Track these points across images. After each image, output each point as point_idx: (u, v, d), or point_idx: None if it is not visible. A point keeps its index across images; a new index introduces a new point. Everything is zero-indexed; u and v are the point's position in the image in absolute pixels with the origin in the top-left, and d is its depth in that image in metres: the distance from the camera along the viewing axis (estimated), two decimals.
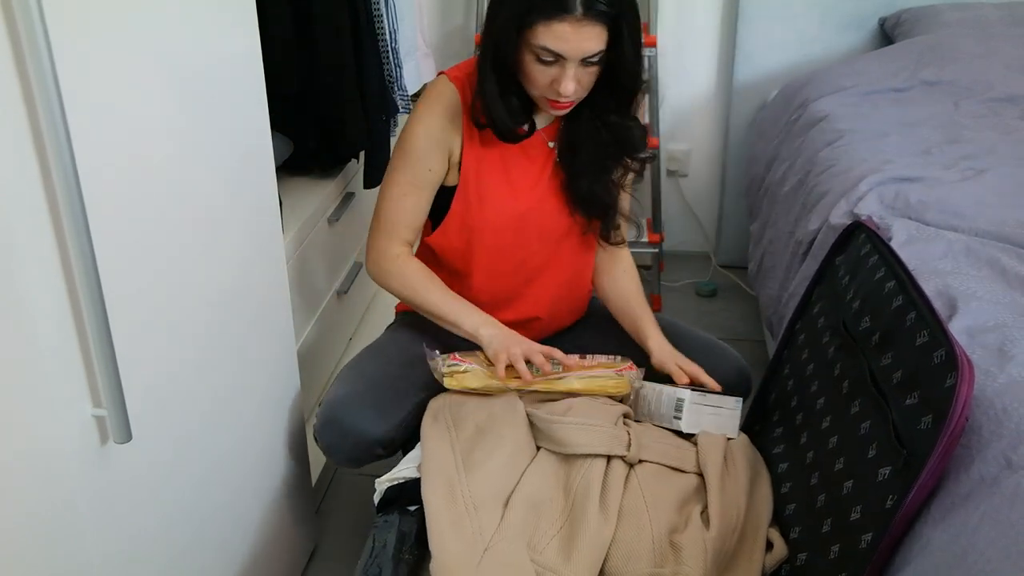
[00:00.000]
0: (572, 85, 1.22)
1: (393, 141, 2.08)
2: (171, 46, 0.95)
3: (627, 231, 1.54)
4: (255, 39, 1.17)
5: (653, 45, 2.35)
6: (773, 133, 2.26)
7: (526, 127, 1.33)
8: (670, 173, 2.78)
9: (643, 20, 1.26)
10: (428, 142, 1.34)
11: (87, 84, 0.80)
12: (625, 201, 1.48)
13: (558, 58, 1.21)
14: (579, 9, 1.17)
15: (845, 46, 2.54)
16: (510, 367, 1.28)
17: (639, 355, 1.41)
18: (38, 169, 0.74)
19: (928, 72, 2.13)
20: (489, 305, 1.41)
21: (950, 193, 1.46)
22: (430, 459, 1.19)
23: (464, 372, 1.31)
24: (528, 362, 1.29)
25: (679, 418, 1.27)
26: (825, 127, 1.93)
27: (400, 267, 1.38)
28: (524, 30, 1.21)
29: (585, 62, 1.22)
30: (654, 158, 1.43)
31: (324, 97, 1.78)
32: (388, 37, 1.93)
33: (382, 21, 1.89)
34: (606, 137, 1.35)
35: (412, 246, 1.42)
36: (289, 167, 1.89)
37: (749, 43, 2.56)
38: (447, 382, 1.31)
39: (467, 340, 1.37)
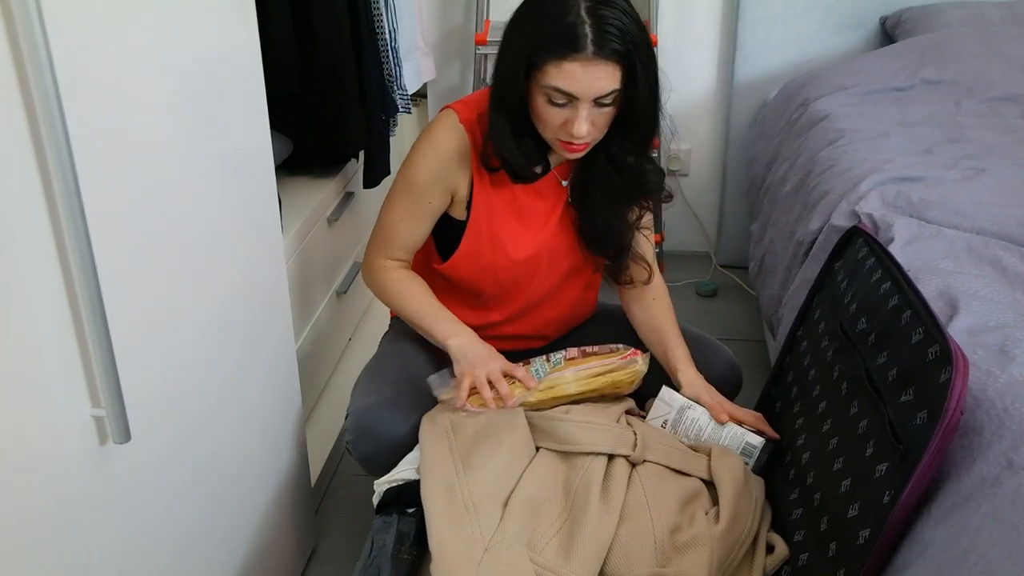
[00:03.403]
0: (585, 126, 1.17)
1: (393, 141, 2.09)
2: (171, 46, 0.95)
3: (649, 272, 1.45)
4: (255, 39, 1.17)
5: (654, 45, 2.35)
6: (774, 133, 2.26)
7: (539, 168, 1.31)
8: (670, 172, 2.78)
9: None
10: (430, 180, 1.32)
11: (86, 84, 0.80)
12: (643, 245, 1.43)
13: (570, 99, 1.16)
14: (590, 48, 1.12)
15: (846, 45, 2.54)
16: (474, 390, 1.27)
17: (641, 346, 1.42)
18: (37, 169, 0.74)
19: (929, 71, 2.13)
20: (500, 322, 1.44)
21: (951, 193, 1.46)
22: (428, 460, 1.19)
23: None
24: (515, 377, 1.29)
25: (747, 463, 1.26)
26: (826, 126, 1.93)
27: (384, 276, 1.41)
28: (534, 70, 1.17)
29: (598, 103, 1.17)
30: (671, 198, 1.40)
31: (324, 97, 1.78)
32: (388, 37, 1.93)
33: (382, 21, 1.89)
34: (619, 181, 1.31)
35: (405, 262, 1.43)
36: (289, 167, 1.89)
37: (749, 43, 2.56)
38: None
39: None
